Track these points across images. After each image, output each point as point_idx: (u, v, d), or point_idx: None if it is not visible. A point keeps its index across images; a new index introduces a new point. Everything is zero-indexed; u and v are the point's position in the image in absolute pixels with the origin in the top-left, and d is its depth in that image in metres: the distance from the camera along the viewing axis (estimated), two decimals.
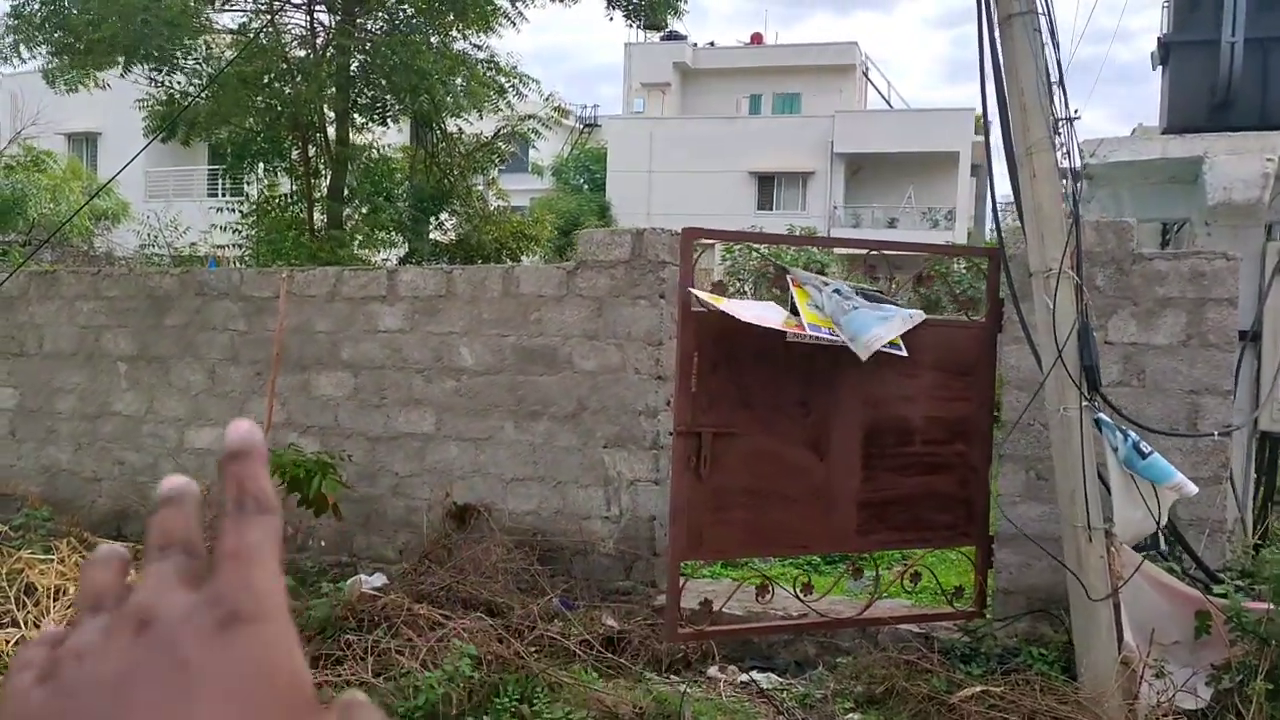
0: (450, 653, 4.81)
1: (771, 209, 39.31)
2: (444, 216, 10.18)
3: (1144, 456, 4.30)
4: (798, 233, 33.38)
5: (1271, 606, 4.36)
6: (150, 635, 0.37)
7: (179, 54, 8.62)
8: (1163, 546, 4.64)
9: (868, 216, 38.67)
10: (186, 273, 7.72)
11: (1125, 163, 6.39)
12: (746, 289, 13.98)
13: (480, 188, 10.75)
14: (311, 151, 9.10)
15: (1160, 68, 6.70)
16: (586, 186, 46.31)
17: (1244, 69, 6.17)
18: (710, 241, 5.50)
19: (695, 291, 4.79)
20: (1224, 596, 4.46)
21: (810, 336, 4.79)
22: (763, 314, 4.93)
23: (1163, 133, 6.63)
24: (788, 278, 5.09)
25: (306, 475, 6.20)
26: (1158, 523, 4.37)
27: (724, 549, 5.25)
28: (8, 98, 15.75)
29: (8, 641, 5.42)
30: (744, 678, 5.46)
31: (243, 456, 0.42)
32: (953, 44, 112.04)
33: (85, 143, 28.67)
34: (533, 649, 5.33)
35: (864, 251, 5.83)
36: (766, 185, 40.29)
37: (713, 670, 5.54)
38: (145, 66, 8.79)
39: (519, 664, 4.94)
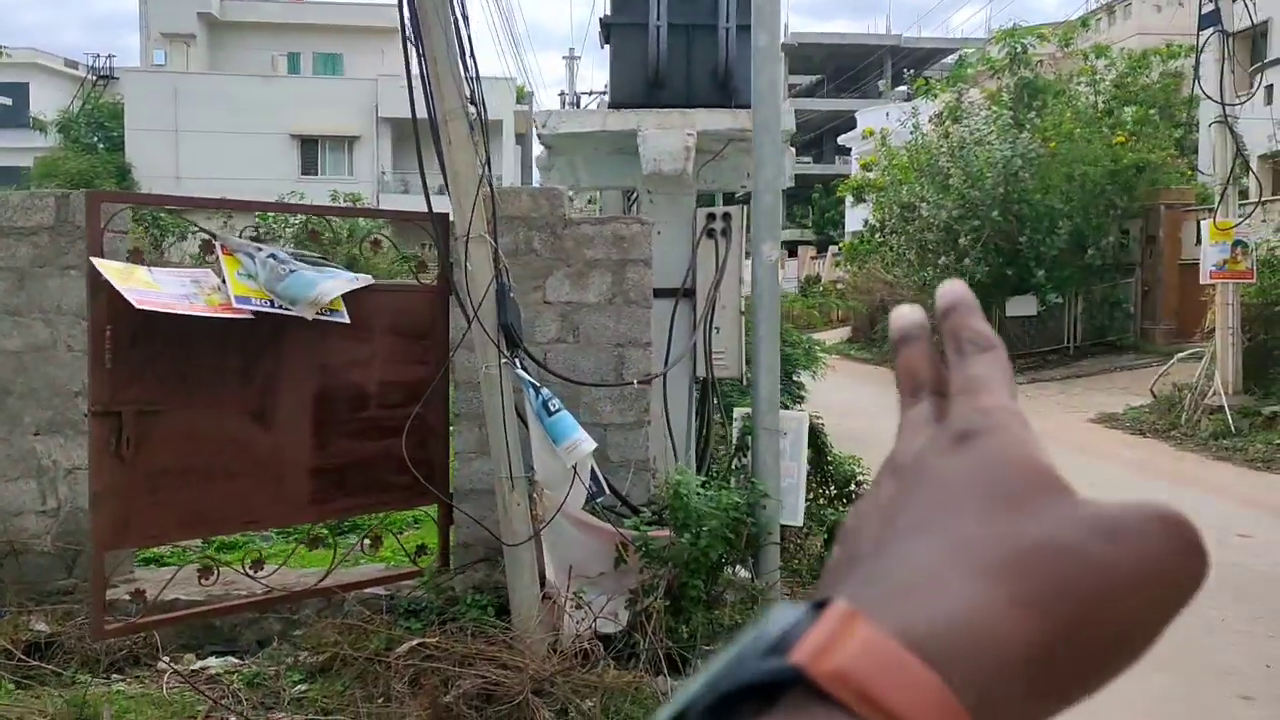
0: None
1: (317, 173, 37.96)
2: None
3: (551, 414, 4.63)
4: (341, 200, 32.31)
5: (671, 533, 4.91)
6: (909, 472, 0.42)
7: None
8: (608, 493, 5.01)
9: (416, 182, 38.55)
10: None
11: (573, 134, 6.82)
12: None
13: None
14: None
15: (606, 46, 7.22)
16: (102, 146, 41.72)
17: (670, 51, 6.81)
18: (125, 206, 5.08)
19: (98, 263, 4.40)
20: (635, 529, 4.95)
21: (234, 310, 4.59)
22: (178, 290, 4.63)
23: (610, 107, 7.16)
24: (217, 245, 4.84)
25: None
26: (574, 470, 4.72)
27: (158, 534, 4.92)
28: None
29: None
30: (197, 665, 5.21)
31: (954, 310, 0.46)
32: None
33: None
34: None
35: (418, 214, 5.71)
36: (310, 149, 38.81)
37: (164, 662, 5.21)
38: None
39: None
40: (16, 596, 5.47)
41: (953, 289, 0.47)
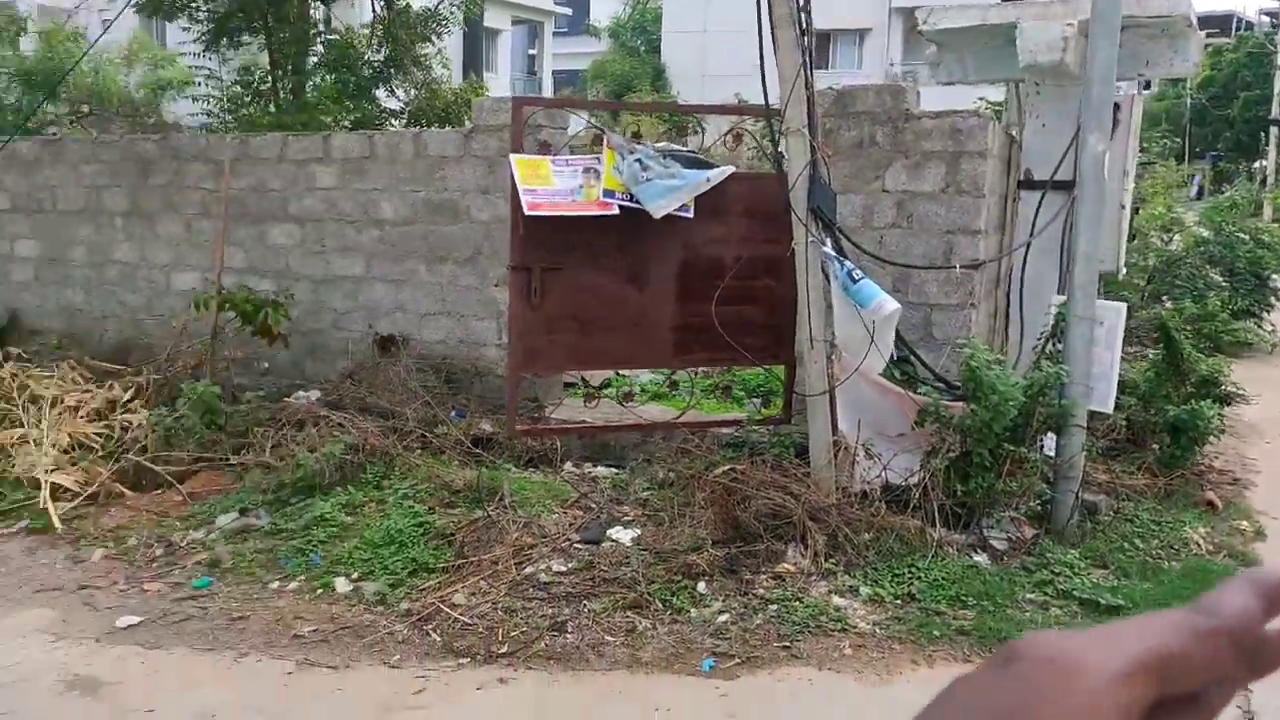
0: (330, 441, 6.12)
1: (826, 68, 38.95)
2: (396, 87, 11.14)
3: (855, 282, 5.27)
4: None
5: (964, 405, 5.36)
6: None
7: None
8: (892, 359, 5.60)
9: (927, 76, 38.07)
10: (164, 138, 8.95)
11: (955, 29, 7.08)
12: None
13: (430, 55, 11.54)
14: (279, 29, 10.15)
15: None
16: (644, 49, 46.08)
17: None
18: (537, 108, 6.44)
19: (513, 158, 5.80)
20: (928, 396, 5.47)
21: (601, 206, 5.78)
22: (570, 183, 5.90)
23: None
24: (604, 141, 6.05)
25: (254, 309, 7.50)
26: (872, 337, 5.34)
27: (554, 365, 6.40)
28: None
29: (13, 440, 6.91)
30: (589, 470, 6.70)
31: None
32: None
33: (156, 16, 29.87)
34: (416, 447, 6.62)
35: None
36: (821, 43, 39.71)
37: (568, 466, 6.77)
38: None
39: (389, 453, 6.23)
40: (478, 407, 7.35)
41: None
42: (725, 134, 6.40)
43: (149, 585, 5.16)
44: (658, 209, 5.84)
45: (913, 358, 5.84)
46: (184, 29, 10.87)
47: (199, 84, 11.34)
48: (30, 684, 4.21)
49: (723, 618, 4.68)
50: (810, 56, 5.32)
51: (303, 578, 5.18)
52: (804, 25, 5.29)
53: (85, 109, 16.31)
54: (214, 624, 4.74)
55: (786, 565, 5.03)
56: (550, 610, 4.78)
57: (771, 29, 5.42)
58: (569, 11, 43.46)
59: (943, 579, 4.94)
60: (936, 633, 4.53)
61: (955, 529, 5.36)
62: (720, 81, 34.05)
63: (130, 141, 9.05)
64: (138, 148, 8.86)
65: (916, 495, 5.25)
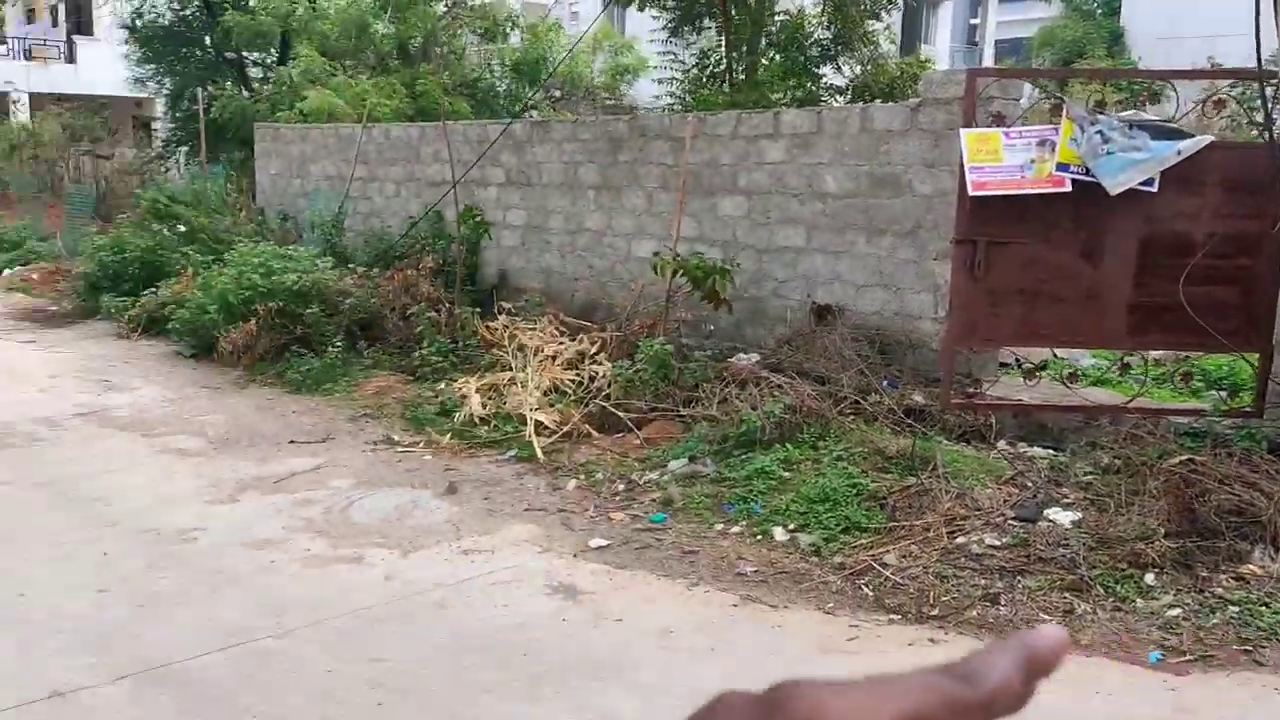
0: (770, 401, 6.52)
1: None
2: (843, 64, 11.30)
3: None
4: None
5: None
6: None
7: None
8: None
9: None
10: (633, 119, 9.86)
11: None
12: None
13: (877, 31, 11.51)
14: (734, 12, 10.76)
15: None
16: (1100, 11, 42.65)
17: None
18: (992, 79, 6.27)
19: (963, 133, 5.78)
20: None
21: (1053, 182, 5.59)
22: (1020, 158, 5.76)
23: None
24: (1064, 111, 5.84)
25: (704, 275, 8.13)
26: None
27: (994, 338, 6.30)
28: None
29: (505, 381, 8.07)
30: (1024, 450, 6.54)
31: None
32: None
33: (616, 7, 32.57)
34: (849, 412, 6.86)
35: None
36: None
37: (1001, 444, 6.66)
38: None
39: (824, 416, 6.52)
40: (910, 378, 7.42)
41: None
42: (1202, 100, 5.92)
43: (614, 515, 5.87)
44: (1115, 185, 5.57)
45: None
46: (654, 17, 11.87)
47: (664, 68, 12.36)
48: (523, 584, 5.00)
49: (1173, 612, 4.44)
50: None
51: (744, 523, 5.61)
52: None
53: (557, 94, 18.29)
54: (668, 554, 5.30)
55: (1251, 567, 4.65)
56: (982, 581, 4.81)
57: None
58: None
59: None
60: None
61: None
62: (1185, 44, 30.66)
63: (604, 122, 10.10)
64: (609, 127, 9.87)
65: None
